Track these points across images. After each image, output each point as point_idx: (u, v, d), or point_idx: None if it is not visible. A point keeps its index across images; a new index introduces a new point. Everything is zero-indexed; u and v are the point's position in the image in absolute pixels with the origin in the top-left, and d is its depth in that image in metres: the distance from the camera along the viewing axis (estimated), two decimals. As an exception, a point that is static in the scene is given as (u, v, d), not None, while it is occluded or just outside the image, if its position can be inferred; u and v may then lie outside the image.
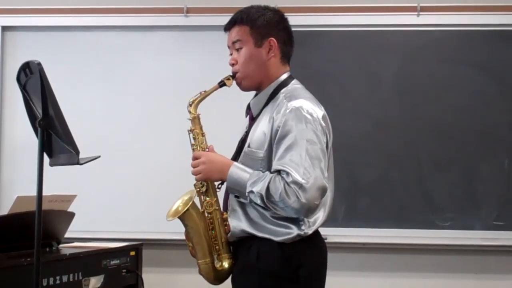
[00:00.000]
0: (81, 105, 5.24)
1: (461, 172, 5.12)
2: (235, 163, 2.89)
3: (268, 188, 2.73)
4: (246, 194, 2.80)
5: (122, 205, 5.24)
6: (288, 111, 2.81)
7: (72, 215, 4.22)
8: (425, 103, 5.14)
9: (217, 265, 2.96)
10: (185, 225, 2.97)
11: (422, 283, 5.19)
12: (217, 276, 2.97)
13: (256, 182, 2.77)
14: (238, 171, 2.85)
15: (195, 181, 2.97)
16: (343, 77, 5.20)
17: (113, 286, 4.23)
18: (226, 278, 2.99)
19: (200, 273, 3.00)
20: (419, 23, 5.16)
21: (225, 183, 2.92)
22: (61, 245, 4.23)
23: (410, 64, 5.16)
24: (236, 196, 2.89)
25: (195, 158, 2.95)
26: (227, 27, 3.03)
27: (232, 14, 3.04)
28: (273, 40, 2.96)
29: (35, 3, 5.38)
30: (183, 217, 2.94)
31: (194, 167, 2.93)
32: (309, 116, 2.81)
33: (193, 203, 2.95)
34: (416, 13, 5.15)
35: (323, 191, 2.75)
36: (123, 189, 5.26)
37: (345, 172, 5.00)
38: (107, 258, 4.16)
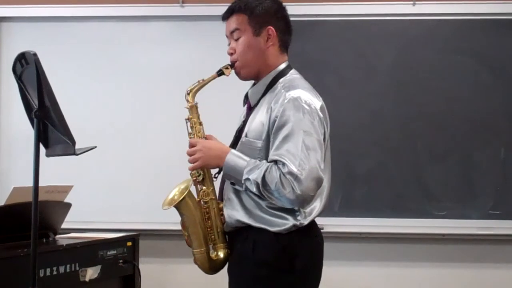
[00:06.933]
0: (77, 95, 5.23)
1: (457, 162, 5.13)
2: (232, 150, 2.89)
3: (264, 177, 2.73)
4: (242, 181, 2.80)
5: (118, 196, 5.24)
6: (286, 101, 2.81)
7: (68, 206, 4.23)
8: (421, 93, 5.14)
9: (212, 254, 2.96)
10: (181, 214, 2.97)
11: (419, 272, 5.20)
12: (212, 266, 2.98)
13: (252, 170, 2.77)
14: (235, 158, 2.85)
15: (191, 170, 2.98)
16: (338, 67, 5.19)
17: (110, 276, 4.24)
18: (221, 268, 2.99)
19: (195, 262, 3.00)
20: (415, 12, 5.15)
21: (221, 173, 2.92)
22: (57, 236, 4.25)
23: (406, 53, 5.16)
24: (232, 184, 2.90)
25: (191, 145, 2.95)
26: (225, 16, 3.03)
27: (227, 4, 3.03)
28: (271, 29, 2.96)
29: (31, -6, 5.39)
30: (179, 205, 2.94)
31: (190, 155, 2.93)
32: (307, 107, 2.81)
33: (190, 192, 2.95)
34: (411, 2, 5.14)
35: (318, 182, 2.75)
36: (119, 180, 5.25)
37: (341, 162, 5.00)
38: (104, 249, 4.17)
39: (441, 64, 5.14)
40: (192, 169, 2.94)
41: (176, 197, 2.94)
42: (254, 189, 2.78)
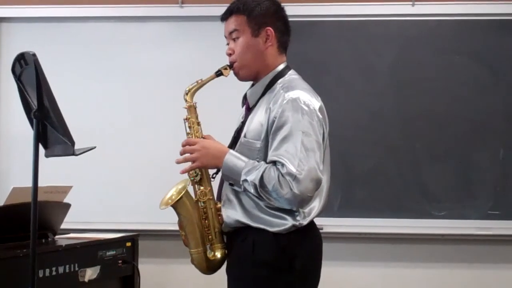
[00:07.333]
0: (76, 96, 5.23)
1: (456, 162, 5.13)
2: (230, 150, 2.89)
3: (262, 178, 2.73)
4: (241, 182, 2.80)
5: (118, 196, 5.24)
6: (285, 102, 2.81)
7: (68, 206, 4.23)
8: (420, 93, 5.14)
9: (210, 255, 2.96)
10: (178, 214, 2.97)
11: (418, 273, 5.20)
12: (209, 266, 2.98)
13: (250, 171, 2.78)
14: (234, 159, 2.85)
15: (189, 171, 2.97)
16: (338, 67, 5.19)
17: (109, 277, 4.24)
18: (218, 268, 2.99)
19: (193, 262, 3.00)
20: (414, 12, 5.16)
21: (219, 173, 2.93)
22: (57, 236, 4.25)
23: (405, 53, 5.16)
24: (230, 184, 2.90)
25: (190, 144, 2.94)
26: (224, 17, 3.03)
27: (227, 5, 3.03)
28: (270, 30, 2.96)
29: (31, -6, 5.39)
30: (176, 205, 2.94)
31: (188, 153, 2.93)
32: (305, 108, 2.81)
33: (187, 191, 2.95)
34: (411, 2, 5.14)
35: (317, 183, 2.76)
36: (119, 180, 5.26)
37: (341, 163, 5.00)
38: (103, 249, 4.17)
39: (441, 65, 5.14)
40: (190, 169, 2.94)
41: (173, 197, 2.94)
42: (252, 190, 2.78)
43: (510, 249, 5.16)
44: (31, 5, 5.39)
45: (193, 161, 2.91)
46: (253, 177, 2.76)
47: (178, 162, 2.95)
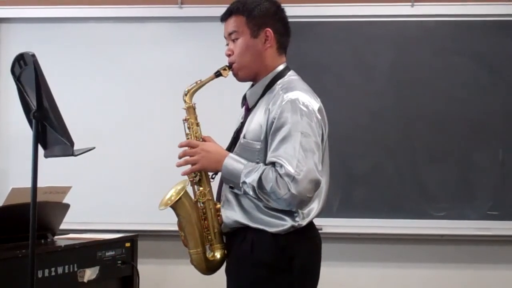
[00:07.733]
0: (76, 96, 5.23)
1: (455, 162, 5.14)
2: (230, 154, 2.89)
3: (260, 179, 2.73)
4: (240, 185, 2.80)
5: (117, 197, 5.24)
6: (284, 102, 2.81)
7: (67, 206, 4.23)
8: (419, 94, 5.15)
9: (209, 255, 2.96)
10: (178, 215, 2.97)
11: (417, 273, 5.21)
12: (208, 266, 2.97)
13: (249, 173, 2.77)
14: (233, 162, 2.85)
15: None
16: (337, 68, 5.20)
17: (108, 277, 4.24)
18: (218, 268, 2.99)
19: (192, 263, 3.00)
20: (413, 13, 5.16)
21: (219, 173, 2.92)
22: (56, 237, 4.24)
23: (404, 54, 5.16)
24: (231, 187, 2.90)
25: (188, 145, 2.94)
26: (224, 18, 3.03)
27: (226, 5, 3.03)
28: (269, 31, 2.95)
29: (30, -5, 5.39)
30: (175, 206, 2.94)
31: (189, 155, 2.93)
32: (304, 109, 2.81)
33: (186, 192, 2.94)
34: (410, 3, 5.15)
35: (315, 184, 2.75)
36: (118, 181, 5.26)
37: (340, 163, 5.00)
38: (102, 250, 4.17)
39: (440, 65, 5.15)
40: (190, 172, 2.93)
41: (172, 198, 2.94)
42: (251, 192, 2.78)
43: (510, 249, 5.17)
44: (31, 5, 5.40)
45: (194, 164, 2.91)
46: (252, 179, 2.75)
47: (179, 165, 2.94)
